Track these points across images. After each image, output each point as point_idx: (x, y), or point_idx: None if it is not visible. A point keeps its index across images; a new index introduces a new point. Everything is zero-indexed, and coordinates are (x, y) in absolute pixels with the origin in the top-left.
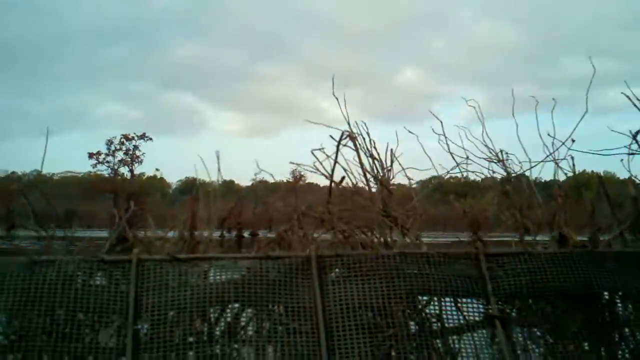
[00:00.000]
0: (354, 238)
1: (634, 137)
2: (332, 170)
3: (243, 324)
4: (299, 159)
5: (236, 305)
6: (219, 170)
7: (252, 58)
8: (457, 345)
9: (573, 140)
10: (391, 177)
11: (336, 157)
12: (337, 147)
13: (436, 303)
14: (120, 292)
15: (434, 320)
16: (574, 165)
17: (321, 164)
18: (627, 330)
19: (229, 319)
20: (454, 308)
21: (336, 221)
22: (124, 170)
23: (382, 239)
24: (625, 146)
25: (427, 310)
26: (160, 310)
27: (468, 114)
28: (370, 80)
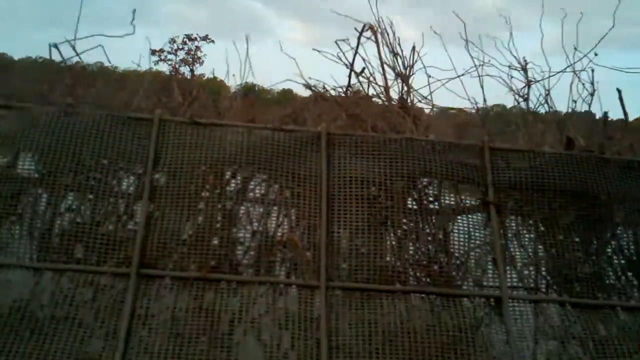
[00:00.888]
0: (365, 122)
1: None
2: (353, 61)
3: (252, 186)
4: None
5: (248, 168)
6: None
7: None
8: (451, 223)
9: (596, 54)
10: (412, 73)
11: (357, 47)
12: (358, 38)
13: (436, 185)
14: (142, 146)
15: (431, 199)
16: (593, 78)
17: (344, 54)
18: (619, 229)
19: (239, 180)
20: (452, 191)
21: (350, 104)
22: (185, 70)
23: (393, 125)
24: None
25: (426, 191)
26: (177, 165)
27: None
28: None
